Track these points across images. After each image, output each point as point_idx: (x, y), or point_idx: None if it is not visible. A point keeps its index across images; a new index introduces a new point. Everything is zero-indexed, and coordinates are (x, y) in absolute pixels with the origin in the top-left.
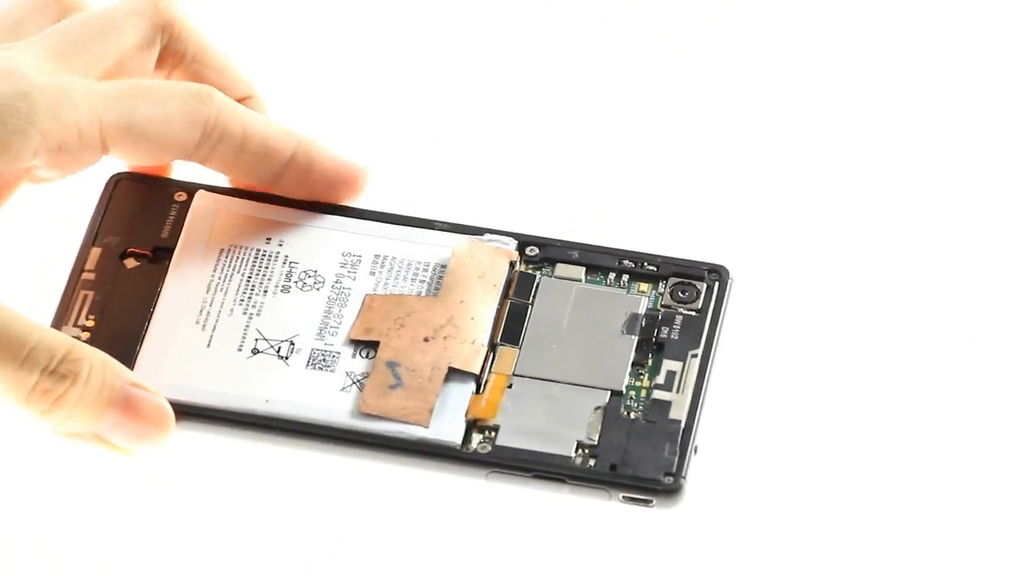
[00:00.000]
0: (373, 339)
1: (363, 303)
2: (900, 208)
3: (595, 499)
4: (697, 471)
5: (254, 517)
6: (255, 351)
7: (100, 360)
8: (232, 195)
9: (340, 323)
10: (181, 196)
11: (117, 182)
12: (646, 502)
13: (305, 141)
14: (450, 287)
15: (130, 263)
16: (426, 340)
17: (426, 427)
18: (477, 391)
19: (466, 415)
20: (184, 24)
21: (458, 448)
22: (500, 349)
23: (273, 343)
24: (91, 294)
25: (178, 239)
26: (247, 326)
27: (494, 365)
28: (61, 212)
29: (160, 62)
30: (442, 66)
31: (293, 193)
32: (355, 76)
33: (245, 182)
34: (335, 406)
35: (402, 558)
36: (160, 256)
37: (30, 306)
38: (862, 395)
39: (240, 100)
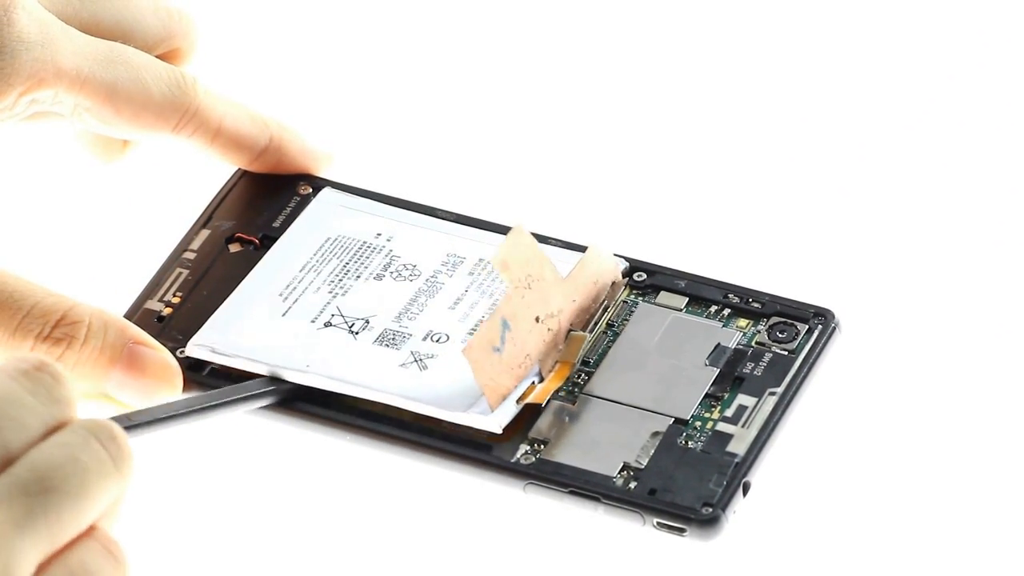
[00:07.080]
0: (506, 277)
1: (513, 229)
2: None
3: (629, 523)
4: (744, 510)
5: (275, 491)
6: (328, 324)
7: (100, 320)
8: (360, 195)
9: (422, 311)
10: (305, 189)
11: (244, 173)
12: (679, 531)
13: (277, 134)
14: (576, 276)
15: (234, 247)
16: (536, 320)
17: (491, 411)
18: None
19: (517, 400)
20: None
21: (496, 436)
22: (572, 335)
23: (348, 319)
24: (185, 272)
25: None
26: (328, 303)
27: (561, 353)
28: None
29: None
30: (592, 87)
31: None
32: (482, 87)
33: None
34: (384, 381)
35: (425, 558)
36: (267, 244)
37: (132, 280)
38: (946, 482)
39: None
